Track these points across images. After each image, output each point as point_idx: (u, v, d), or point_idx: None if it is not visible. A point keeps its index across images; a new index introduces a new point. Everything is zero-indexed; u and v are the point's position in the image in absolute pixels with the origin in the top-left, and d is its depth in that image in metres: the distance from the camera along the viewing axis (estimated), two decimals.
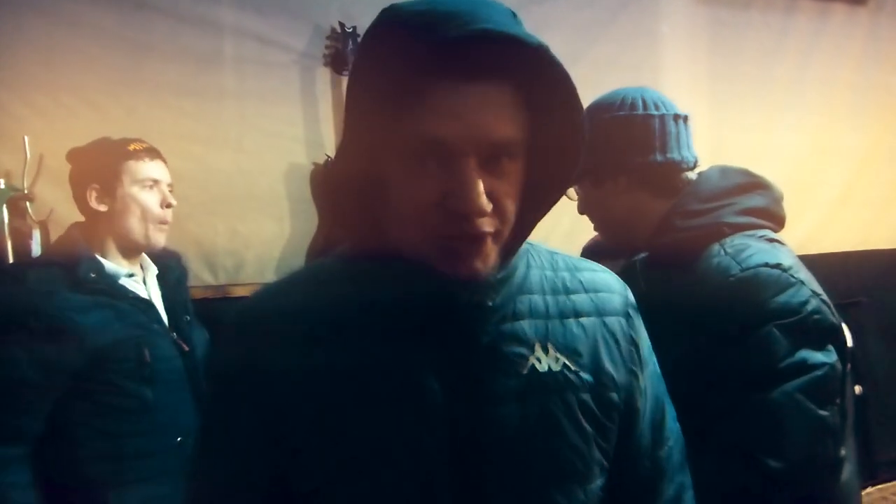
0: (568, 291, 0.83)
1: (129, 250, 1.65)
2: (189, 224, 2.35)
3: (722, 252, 1.13)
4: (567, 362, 0.78)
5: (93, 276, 1.53)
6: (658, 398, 0.87)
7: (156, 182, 1.65)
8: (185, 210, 2.33)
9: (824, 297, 1.11)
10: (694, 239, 1.17)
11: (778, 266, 1.09)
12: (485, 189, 0.68)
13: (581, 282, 0.85)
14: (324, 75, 2.49)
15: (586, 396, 0.78)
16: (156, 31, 2.27)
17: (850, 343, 1.18)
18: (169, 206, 1.67)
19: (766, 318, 1.05)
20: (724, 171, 1.27)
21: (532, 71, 0.69)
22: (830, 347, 1.08)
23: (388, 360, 0.74)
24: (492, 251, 0.72)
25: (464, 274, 0.71)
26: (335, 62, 2.45)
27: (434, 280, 0.72)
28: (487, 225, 0.70)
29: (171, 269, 1.78)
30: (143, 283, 1.69)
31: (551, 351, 0.78)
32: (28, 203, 2.07)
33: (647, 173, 1.22)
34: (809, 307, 1.07)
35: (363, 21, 2.45)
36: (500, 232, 0.72)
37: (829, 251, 3.11)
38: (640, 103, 1.23)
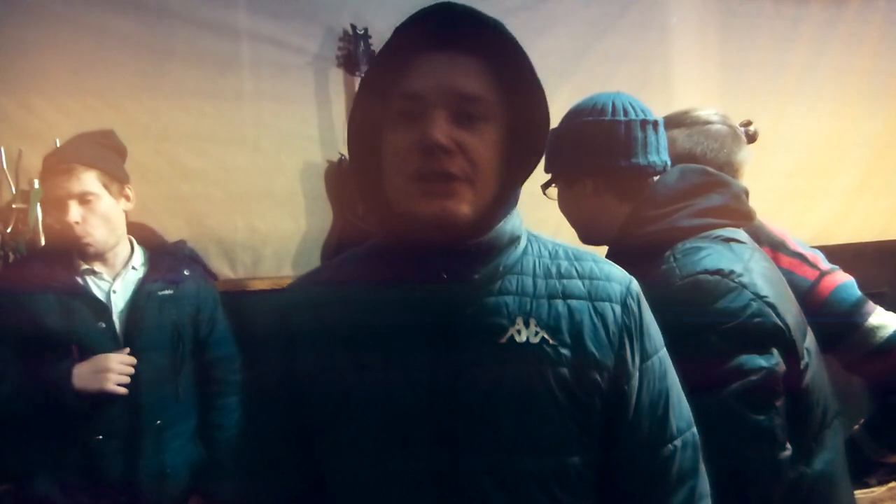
0: (561, 276, 0.88)
1: (83, 254, 1.71)
2: (209, 221, 2.46)
3: (671, 259, 1.15)
4: (546, 336, 0.83)
5: (45, 271, 1.65)
6: (661, 393, 0.88)
7: (58, 201, 1.64)
8: (206, 208, 2.46)
9: (770, 298, 1.11)
10: (648, 246, 1.18)
11: (718, 272, 1.09)
12: (454, 138, 0.79)
13: (577, 269, 0.90)
14: (337, 76, 2.56)
15: (564, 371, 0.83)
16: (176, 37, 2.38)
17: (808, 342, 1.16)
18: (69, 224, 1.63)
19: (704, 325, 1.06)
20: (684, 172, 1.27)
21: (496, 47, 0.82)
22: (773, 350, 1.08)
23: (384, 327, 0.84)
24: (464, 193, 0.81)
25: (436, 211, 0.80)
26: (347, 63, 2.52)
27: (425, 257, 0.83)
28: (454, 166, 0.79)
29: (158, 269, 1.79)
30: (113, 279, 1.73)
31: (532, 325, 0.84)
32: None
33: (612, 177, 1.24)
34: (749, 311, 1.07)
35: (374, 23, 2.53)
36: (470, 177, 0.81)
37: (846, 242, 3.09)
38: (609, 109, 1.24)
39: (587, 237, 1.36)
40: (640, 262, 1.15)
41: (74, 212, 1.63)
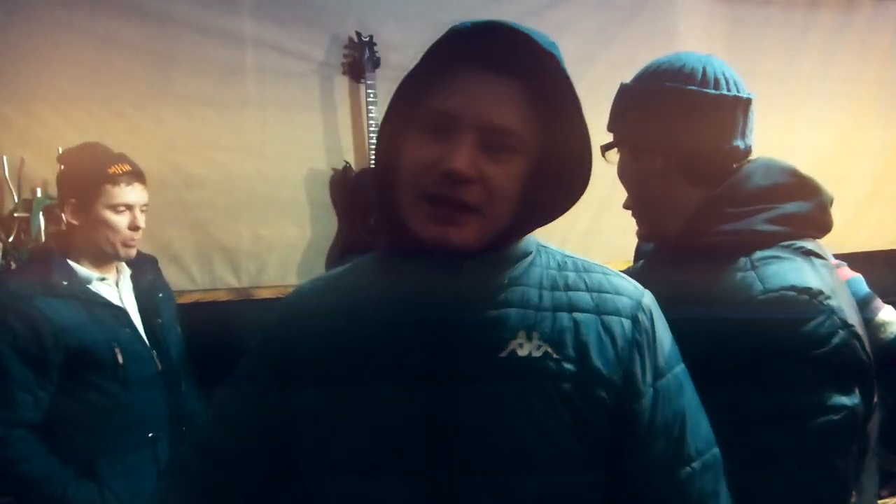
0: (568, 288, 0.85)
1: (100, 260, 1.75)
2: (213, 229, 2.45)
3: (748, 266, 1.00)
4: (550, 350, 0.80)
5: (65, 282, 1.66)
6: (677, 413, 0.83)
7: (128, 207, 1.72)
8: (210, 215, 2.44)
9: (857, 328, 0.98)
10: (719, 246, 1.04)
11: (807, 291, 0.95)
12: (478, 166, 0.76)
13: (586, 281, 0.86)
14: (342, 84, 2.55)
15: (567, 386, 0.79)
16: (181, 45, 2.37)
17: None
18: (137, 228, 1.74)
19: (786, 349, 0.93)
20: (769, 168, 1.09)
21: (543, 76, 0.77)
22: (855, 389, 0.96)
23: (382, 340, 0.82)
24: (472, 225, 0.78)
25: (436, 236, 0.77)
26: (353, 71, 2.52)
27: (428, 271, 0.80)
28: (470, 195, 0.76)
29: (144, 273, 1.87)
30: (116, 286, 1.79)
31: (535, 339, 0.80)
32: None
33: (690, 159, 1.07)
34: (837, 340, 0.94)
35: (380, 30, 2.52)
36: (485, 209, 0.78)
37: (857, 251, 3.05)
38: (699, 76, 1.05)
39: (644, 217, 1.19)
40: (707, 262, 1.03)
41: (140, 219, 1.75)
